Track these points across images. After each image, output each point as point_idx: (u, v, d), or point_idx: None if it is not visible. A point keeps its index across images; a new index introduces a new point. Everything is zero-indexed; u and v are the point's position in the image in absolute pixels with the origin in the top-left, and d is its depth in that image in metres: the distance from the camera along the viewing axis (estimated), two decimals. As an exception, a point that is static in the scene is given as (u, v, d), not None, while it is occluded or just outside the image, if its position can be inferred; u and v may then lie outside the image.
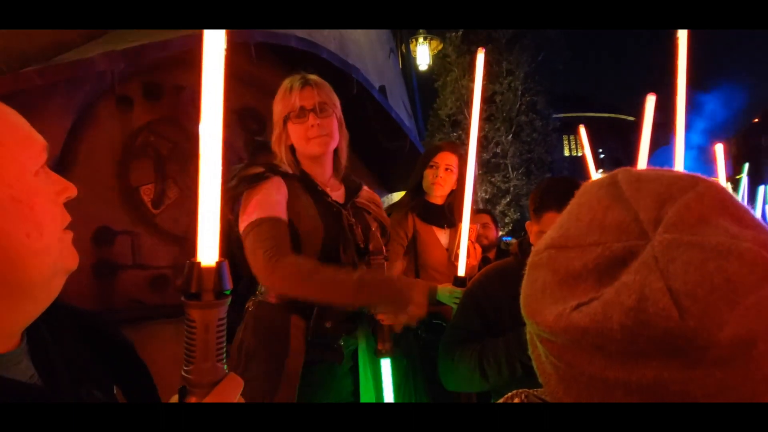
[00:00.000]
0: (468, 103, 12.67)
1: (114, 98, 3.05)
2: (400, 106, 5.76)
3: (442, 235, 2.47)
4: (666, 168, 0.56)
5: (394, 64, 6.72)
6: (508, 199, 14.77)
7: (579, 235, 0.52)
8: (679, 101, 1.74)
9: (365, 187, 1.87)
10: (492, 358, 1.56)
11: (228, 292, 0.62)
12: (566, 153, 26.44)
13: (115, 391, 0.76)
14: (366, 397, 1.66)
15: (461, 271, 2.17)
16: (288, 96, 1.63)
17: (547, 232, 0.57)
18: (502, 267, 1.77)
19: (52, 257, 0.63)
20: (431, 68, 11.48)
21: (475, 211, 2.79)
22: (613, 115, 31.69)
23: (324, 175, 1.73)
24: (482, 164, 14.34)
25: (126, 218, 3.09)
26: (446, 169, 2.42)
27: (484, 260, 2.85)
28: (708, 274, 0.44)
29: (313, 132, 1.62)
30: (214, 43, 0.61)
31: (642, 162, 1.91)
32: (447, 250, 2.45)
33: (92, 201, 2.89)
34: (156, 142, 3.22)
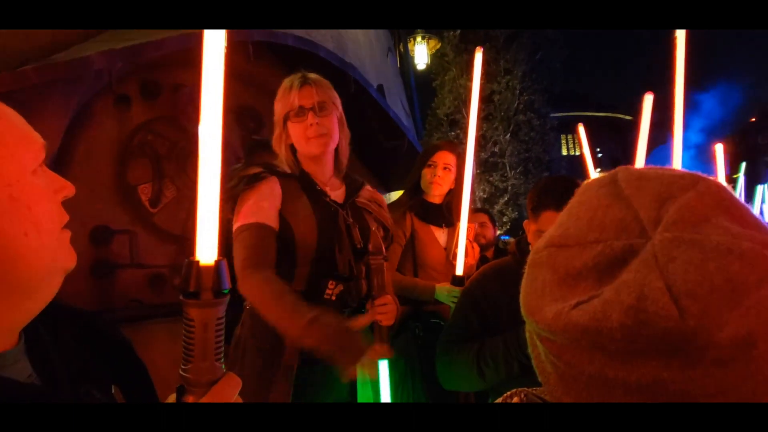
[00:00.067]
0: (466, 102, 12.68)
1: (112, 97, 3.05)
2: (398, 105, 5.76)
3: (441, 235, 2.47)
4: (666, 166, 0.56)
5: (392, 63, 6.72)
6: (506, 198, 14.78)
7: (579, 233, 0.52)
8: (677, 100, 1.75)
9: (367, 187, 1.85)
10: (489, 357, 1.56)
11: (227, 291, 0.62)
12: (564, 152, 26.48)
13: (113, 391, 0.76)
14: (363, 398, 1.66)
15: (459, 271, 2.17)
16: (288, 95, 1.63)
17: (544, 231, 0.57)
18: (500, 266, 1.77)
19: (50, 256, 0.63)
20: (429, 67, 11.49)
21: (473, 210, 2.80)
22: (610, 115, 31.72)
23: (324, 174, 1.72)
24: (480, 163, 14.34)
25: (124, 217, 3.09)
26: (444, 168, 2.42)
27: (482, 259, 2.85)
28: (708, 274, 0.43)
29: (312, 131, 1.61)
30: (214, 43, 0.61)
31: (639, 161, 1.92)
32: (445, 249, 2.45)
33: (90, 200, 2.89)
34: (154, 141, 3.21)
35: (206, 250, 0.61)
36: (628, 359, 0.46)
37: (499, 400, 0.68)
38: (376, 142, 4.15)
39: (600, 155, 27.34)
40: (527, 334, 0.59)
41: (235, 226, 1.55)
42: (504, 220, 14.49)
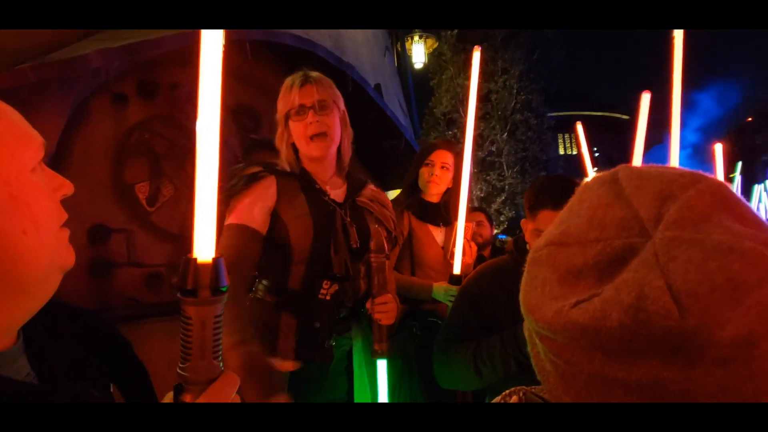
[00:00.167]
0: (463, 102, 12.67)
1: (109, 96, 3.03)
2: (395, 104, 5.76)
3: (438, 234, 2.47)
4: (667, 165, 0.56)
5: (390, 63, 6.71)
6: (503, 198, 14.77)
7: (579, 232, 0.52)
8: (674, 100, 1.75)
9: (371, 186, 1.84)
10: (487, 355, 1.56)
11: (224, 289, 0.62)
12: (561, 151, 26.50)
13: (111, 389, 0.76)
14: (360, 397, 1.65)
15: (457, 269, 2.17)
16: (289, 93, 1.63)
17: (542, 229, 0.57)
18: (497, 265, 1.77)
19: (48, 255, 0.63)
20: (426, 66, 11.47)
21: (470, 209, 2.80)
22: (607, 114, 31.73)
23: (325, 173, 1.72)
24: (477, 162, 14.32)
25: (121, 216, 3.08)
26: (442, 167, 2.42)
27: (479, 258, 2.85)
28: (709, 273, 0.43)
29: (312, 129, 1.61)
30: (212, 41, 0.61)
31: (637, 160, 1.92)
32: (443, 248, 2.46)
33: (87, 199, 2.88)
34: (151, 140, 3.20)
35: (204, 247, 0.61)
36: (627, 358, 0.46)
37: (498, 398, 0.68)
38: (374, 141, 4.15)
39: (597, 155, 27.38)
40: (526, 333, 0.59)
41: (226, 223, 1.56)
42: (501, 219, 14.48)
